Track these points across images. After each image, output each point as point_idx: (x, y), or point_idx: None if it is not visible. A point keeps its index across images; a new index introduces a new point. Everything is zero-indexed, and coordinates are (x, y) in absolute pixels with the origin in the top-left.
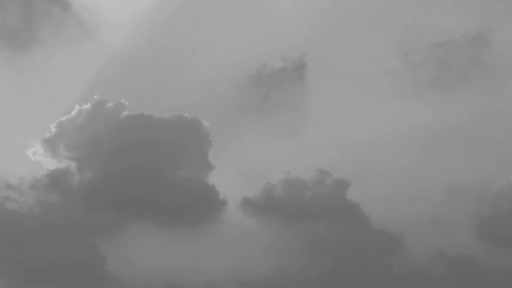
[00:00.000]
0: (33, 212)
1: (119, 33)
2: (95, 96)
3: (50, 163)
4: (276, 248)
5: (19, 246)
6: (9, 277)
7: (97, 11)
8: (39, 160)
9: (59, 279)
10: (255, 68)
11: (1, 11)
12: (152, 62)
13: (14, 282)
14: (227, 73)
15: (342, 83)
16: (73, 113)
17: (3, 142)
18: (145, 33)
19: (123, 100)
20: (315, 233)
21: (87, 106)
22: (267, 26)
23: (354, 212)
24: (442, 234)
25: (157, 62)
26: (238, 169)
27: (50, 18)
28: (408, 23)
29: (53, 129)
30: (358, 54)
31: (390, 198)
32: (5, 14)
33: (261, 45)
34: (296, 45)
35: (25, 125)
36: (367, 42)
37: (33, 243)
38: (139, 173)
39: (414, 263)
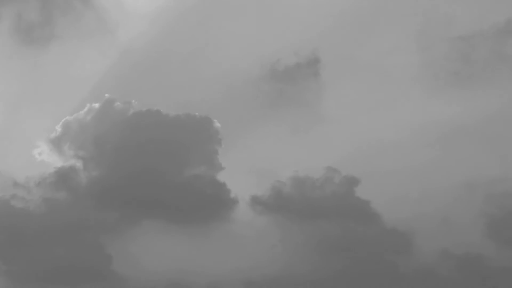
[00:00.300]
0: (40, 211)
1: (137, 28)
2: (106, 95)
3: (57, 162)
4: (286, 247)
5: (25, 245)
6: (15, 275)
7: (117, 5)
8: (46, 159)
9: (64, 278)
10: (269, 64)
11: (19, 4)
12: (166, 58)
13: (20, 281)
14: (241, 69)
15: (358, 79)
16: (83, 111)
17: (11, 140)
18: (160, 28)
19: (133, 101)
20: (325, 231)
21: (96, 104)
22: (281, 20)
23: (365, 210)
24: (452, 233)
25: (171, 58)
26: (248, 167)
27: (69, 12)
28: (429, 15)
29: (61, 128)
30: (375, 48)
31: (401, 196)
32: (23, 8)
33: (274, 40)
34: (311, 39)
35: (34, 122)
36: (385, 35)
37: (39, 241)
38: (148, 171)
39: (422, 262)
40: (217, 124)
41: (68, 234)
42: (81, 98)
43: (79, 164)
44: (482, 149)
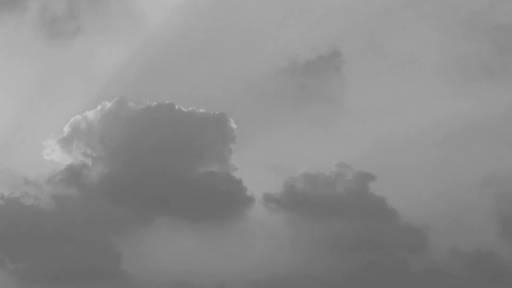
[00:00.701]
0: (50, 208)
1: (161, 21)
2: (117, 97)
3: (68, 159)
4: (299, 246)
5: (34, 243)
6: (22, 274)
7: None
8: (57, 156)
9: (72, 277)
10: (289, 59)
11: None
12: (187, 53)
13: (27, 280)
14: (260, 64)
15: (381, 73)
16: (96, 109)
17: (22, 137)
18: (182, 22)
19: (149, 102)
20: (339, 229)
21: (108, 102)
22: (302, 14)
23: (380, 207)
24: (465, 231)
25: (192, 53)
26: (263, 164)
27: (96, 5)
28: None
29: (72, 125)
30: (400, 41)
31: (416, 193)
32: (49, 1)
33: (295, 34)
34: (332, 32)
35: (46, 119)
36: (411, 27)
37: (48, 240)
38: (161, 168)
39: (435, 261)
40: (232, 121)
41: (78, 232)
42: (99, 91)
43: (90, 161)
44: (499, 145)
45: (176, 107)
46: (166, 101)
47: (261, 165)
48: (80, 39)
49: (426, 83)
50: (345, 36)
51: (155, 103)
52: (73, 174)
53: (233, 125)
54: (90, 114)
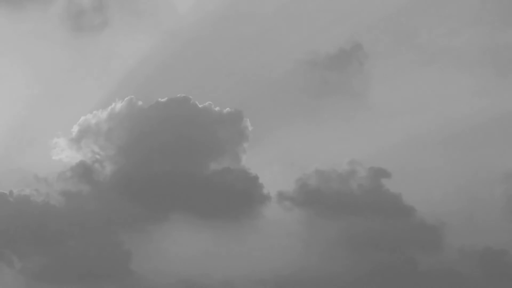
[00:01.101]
0: (60, 205)
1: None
2: (128, 96)
3: (80, 156)
4: (314, 244)
5: (43, 241)
6: (29, 273)
7: None
8: (68, 155)
9: (79, 276)
10: (310, 53)
11: None
12: (208, 49)
13: (33, 278)
14: (280, 58)
15: (407, 67)
16: (111, 106)
17: (33, 136)
18: (204, 18)
19: (160, 99)
20: (354, 225)
21: (121, 101)
22: (323, 6)
23: (397, 203)
24: (478, 229)
25: (213, 49)
26: (281, 162)
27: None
28: None
29: (83, 123)
30: (428, 31)
31: (431, 191)
32: None
33: (316, 28)
34: (355, 24)
35: (56, 117)
36: (438, 19)
37: (57, 238)
38: (174, 166)
39: (448, 260)
40: (247, 120)
41: (88, 230)
42: (117, 86)
43: (104, 157)
44: None
45: (191, 101)
46: (181, 95)
47: (277, 162)
48: (105, 33)
49: (456, 76)
50: (369, 28)
51: (166, 98)
52: (85, 170)
53: (248, 123)
54: (102, 113)
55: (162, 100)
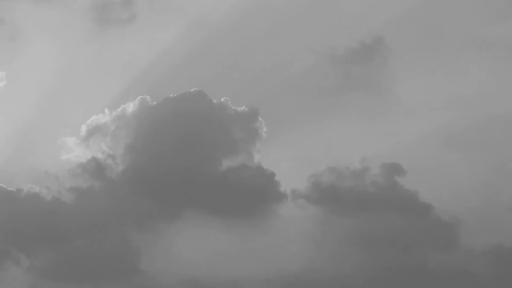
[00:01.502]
0: (71, 202)
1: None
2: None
3: (91, 152)
4: (328, 243)
5: (52, 239)
6: (37, 271)
7: None
8: (80, 151)
9: (88, 275)
10: (330, 47)
11: None
12: (227, 43)
13: (41, 277)
14: (301, 52)
15: (432, 62)
16: (124, 105)
17: (44, 133)
18: (228, 12)
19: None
20: (369, 223)
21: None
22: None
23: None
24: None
25: (232, 44)
26: (296, 159)
27: None
28: None
29: (93, 123)
30: (451, 24)
31: (446, 189)
32: None
33: (337, 24)
34: (377, 18)
35: (70, 114)
36: (466, 8)
37: (67, 236)
38: (186, 165)
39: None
40: (262, 120)
41: (98, 228)
42: (134, 81)
43: (114, 154)
44: None
45: (207, 97)
46: (195, 89)
47: (292, 160)
48: (132, 28)
49: (484, 72)
50: (390, 21)
51: (180, 93)
52: (97, 166)
53: (263, 123)
54: (116, 110)
55: (175, 95)
